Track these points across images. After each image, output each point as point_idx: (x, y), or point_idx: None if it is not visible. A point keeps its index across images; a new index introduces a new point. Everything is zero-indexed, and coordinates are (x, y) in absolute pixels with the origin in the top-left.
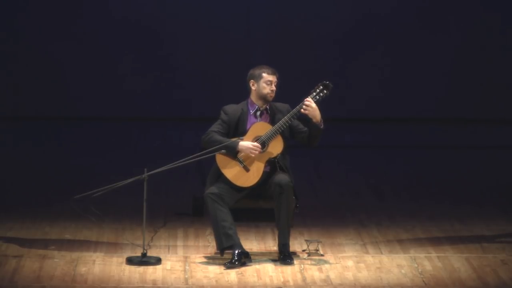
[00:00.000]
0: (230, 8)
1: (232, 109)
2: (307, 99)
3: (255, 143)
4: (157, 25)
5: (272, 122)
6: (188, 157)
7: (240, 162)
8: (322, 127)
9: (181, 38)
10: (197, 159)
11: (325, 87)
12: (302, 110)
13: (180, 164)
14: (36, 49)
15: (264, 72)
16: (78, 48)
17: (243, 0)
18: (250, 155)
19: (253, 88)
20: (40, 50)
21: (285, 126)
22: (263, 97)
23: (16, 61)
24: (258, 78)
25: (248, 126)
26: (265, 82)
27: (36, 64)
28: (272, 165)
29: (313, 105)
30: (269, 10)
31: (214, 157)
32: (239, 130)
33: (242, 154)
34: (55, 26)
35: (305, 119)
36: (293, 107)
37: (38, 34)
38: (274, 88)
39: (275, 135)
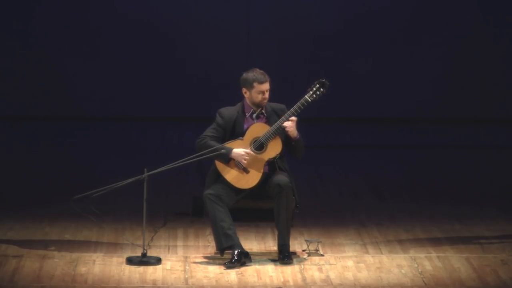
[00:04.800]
0: (230, 9)
1: (228, 112)
2: (289, 122)
3: (247, 150)
4: (158, 26)
5: (269, 123)
6: (188, 157)
7: (240, 164)
8: (299, 141)
9: (181, 39)
10: (196, 159)
11: (322, 85)
12: (286, 130)
13: (180, 164)
14: (36, 49)
15: (256, 81)
16: (79, 48)
17: (243, 1)
18: (243, 162)
19: (245, 95)
20: (41, 50)
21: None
22: (256, 105)
23: (16, 61)
24: (249, 87)
25: (245, 128)
26: (257, 92)
27: (37, 64)
28: (271, 165)
29: (294, 126)
30: (269, 11)
31: (213, 159)
32: (236, 132)
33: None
34: (56, 26)
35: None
36: (290, 107)
37: (39, 34)
38: (266, 96)
39: (274, 136)
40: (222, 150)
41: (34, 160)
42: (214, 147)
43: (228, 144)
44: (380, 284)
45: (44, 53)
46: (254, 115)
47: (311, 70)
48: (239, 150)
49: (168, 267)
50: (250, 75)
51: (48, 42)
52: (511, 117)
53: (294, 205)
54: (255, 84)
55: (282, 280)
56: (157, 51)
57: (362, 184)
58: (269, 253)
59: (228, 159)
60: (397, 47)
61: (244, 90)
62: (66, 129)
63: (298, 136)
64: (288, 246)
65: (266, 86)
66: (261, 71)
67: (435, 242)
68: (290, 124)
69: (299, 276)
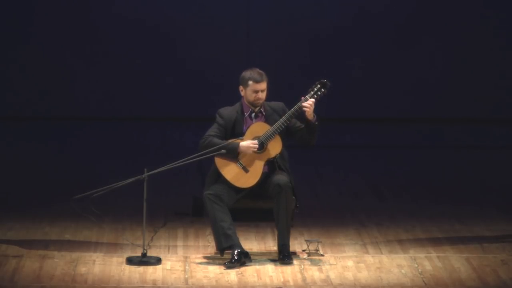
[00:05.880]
0: (230, 9)
1: (227, 112)
2: (308, 101)
3: (254, 141)
4: (158, 26)
5: (268, 122)
6: (188, 157)
7: (239, 163)
8: (317, 123)
9: (181, 39)
10: (197, 159)
11: (323, 85)
12: (304, 109)
13: (180, 164)
14: (36, 49)
15: (251, 80)
16: (79, 48)
17: (243, 1)
18: (249, 153)
19: (242, 93)
20: (41, 49)
21: (283, 127)
22: (250, 104)
23: (16, 61)
24: (245, 85)
25: (244, 128)
26: (251, 91)
27: (37, 64)
28: (271, 165)
29: (313, 105)
30: (269, 11)
31: (213, 158)
32: (235, 132)
33: (242, 155)
34: (56, 26)
35: (299, 117)
36: (290, 106)
37: (39, 33)
38: (260, 96)
39: (274, 136)
40: (229, 146)
41: (34, 160)
42: (220, 145)
43: None
44: (380, 284)
45: (44, 53)
46: (253, 115)
47: (311, 70)
48: (246, 142)
49: (168, 267)
50: (247, 73)
51: (48, 42)
52: (511, 117)
53: (294, 205)
54: (250, 82)
55: (282, 280)
56: (157, 51)
57: (362, 184)
58: (269, 253)
59: (236, 153)
60: (397, 47)
61: (241, 87)
62: (66, 129)
63: (315, 118)
64: (288, 246)
65: (261, 86)
66: (260, 71)
67: (435, 242)
68: (309, 104)
69: (299, 276)
